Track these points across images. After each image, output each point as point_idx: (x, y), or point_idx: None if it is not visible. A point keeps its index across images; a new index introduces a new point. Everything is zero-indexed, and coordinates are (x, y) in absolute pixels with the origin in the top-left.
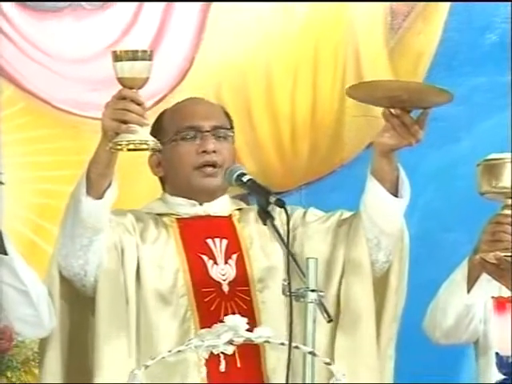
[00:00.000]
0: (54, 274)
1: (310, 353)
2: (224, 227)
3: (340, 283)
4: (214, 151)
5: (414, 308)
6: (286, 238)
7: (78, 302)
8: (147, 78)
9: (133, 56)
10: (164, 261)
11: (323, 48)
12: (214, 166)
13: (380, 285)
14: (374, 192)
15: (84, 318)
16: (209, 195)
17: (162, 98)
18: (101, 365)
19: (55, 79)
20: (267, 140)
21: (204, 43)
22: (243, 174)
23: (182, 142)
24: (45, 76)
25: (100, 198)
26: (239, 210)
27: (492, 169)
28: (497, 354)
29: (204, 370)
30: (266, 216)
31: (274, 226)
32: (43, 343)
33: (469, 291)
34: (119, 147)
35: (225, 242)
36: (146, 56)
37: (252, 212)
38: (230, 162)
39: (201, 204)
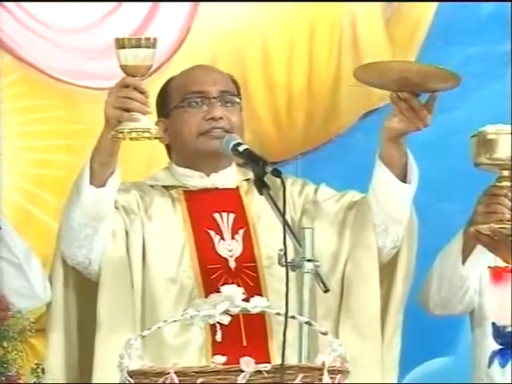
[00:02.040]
0: (57, 262)
1: (307, 323)
2: (231, 201)
3: (345, 266)
4: (221, 118)
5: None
6: (282, 208)
7: (85, 287)
8: (150, 66)
9: (136, 43)
10: (170, 237)
11: (319, 18)
12: (221, 129)
13: (387, 272)
14: (383, 177)
15: (91, 303)
16: (215, 162)
17: (157, 68)
18: (102, 359)
19: (51, 49)
20: (263, 110)
21: (200, 13)
22: (239, 144)
23: (189, 108)
24: (41, 45)
25: (103, 185)
26: (247, 180)
27: (487, 140)
28: (493, 324)
29: (200, 339)
30: (262, 185)
31: (269, 196)
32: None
33: (464, 262)
34: (121, 135)
35: (232, 216)
36: (150, 43)
37: None
38: (238, 128)
39: (208, 175)
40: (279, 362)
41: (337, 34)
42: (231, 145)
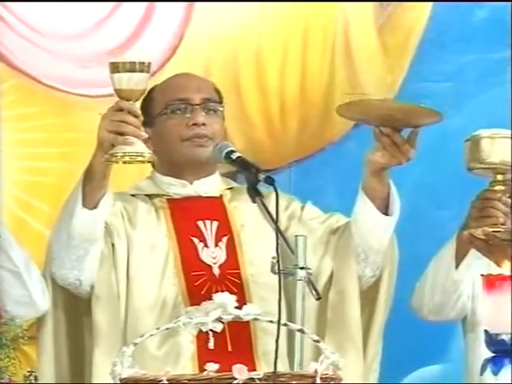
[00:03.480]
0: (47, 281)
1: (299, 330)
2: (215, 209)
3: (326, 288)
4: (204, 124)
5: (403, 284)
6: (275, 216)
7: (75, 305)
8: (144, 90)
9: (130, 68)
10: (155, 245)
11: (313, 24)
12: (203, 137)
13: (369, 300)
14: (364, 208)
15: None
16: (198, 169)
17: (151, 75)
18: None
19: (45, 56)
20: (256, 116)
21: (194, 20)
22: (232, 152)
23: (172, 115)
24: (34, 53)
25: (95, 207)
26: (230, 189)
27: (480, 144)
28: (486, 331)
29: (192, 347)
30: (255, 193)
31: (263, 204)
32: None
33: (457, 267)
34: (115, 159)
35: (215, 224)
36: (144, 68)
37: (244, 192)
38: (220, 135)
39: (191, 183)
40: (265, 367)
41: (330, 40)
42: (224, 152)
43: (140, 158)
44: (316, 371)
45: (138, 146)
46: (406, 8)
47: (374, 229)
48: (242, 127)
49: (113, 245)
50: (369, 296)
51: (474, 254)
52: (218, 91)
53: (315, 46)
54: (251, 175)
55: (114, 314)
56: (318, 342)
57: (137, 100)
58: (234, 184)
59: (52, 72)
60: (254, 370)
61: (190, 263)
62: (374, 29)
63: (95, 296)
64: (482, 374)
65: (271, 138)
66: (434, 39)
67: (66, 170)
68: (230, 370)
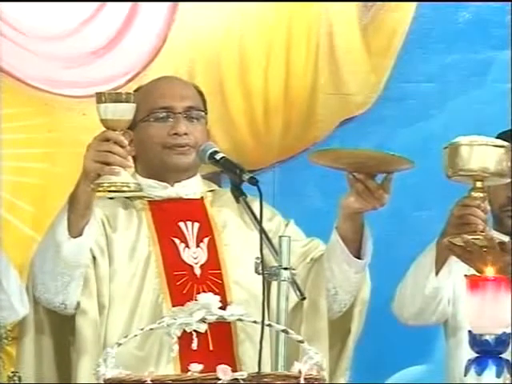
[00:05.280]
0: (29, 298)
1: (283, 331)
2: (196, 211)
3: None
4: (186, 133)
5: (385, 287)
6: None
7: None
8: (130, 120)
9: (116, 98)
10: (136, 245)
11: (296, 24)
12: (184, 146)
13: (339, 337)
14: (336, 249)
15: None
16: (180, 173)
17: (134, 76)
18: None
19: (28, 57)
20: (240, 117)
21: (177, 21)
22: (216, 152)
23: (154, 122)
24: (18, 54)
25: (80, 235)
26: (211, 191)
27: (459, 152)
28: (469, 332)
29: (176, 348)
30: (239, 194)
31: (246, 204)
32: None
33: (437, 274)
34: (101, 189)
35: (196, 225)
36: (130, 98)
37: (226, 194)
38: (202, 142)
39: (172, 185)
40: (245, 366)
41: (313, 41)
42: (208, 153)
43: (126, 189)
44: (300, 371)
45: (124, 177)
46: (390, 8)
47: (346, 270)
48: (225, 128)
49: (94, 258)
50: (339, 333)
51: (454, 259)
52: (201, 94)
53: (299, 47)
54: (235, 175)
55: (98, 326)
56: (301, 342)
57: (122, 130)
58: (214, 186)
59: (35, 73)
60: (236, 371)
61: (172, 263)
62: (357, 29)
63: (80, 311)
64: (465, 374)
65: (255, 139)
66: (418, 40)
67: (49, 170)
68: (212, 371)
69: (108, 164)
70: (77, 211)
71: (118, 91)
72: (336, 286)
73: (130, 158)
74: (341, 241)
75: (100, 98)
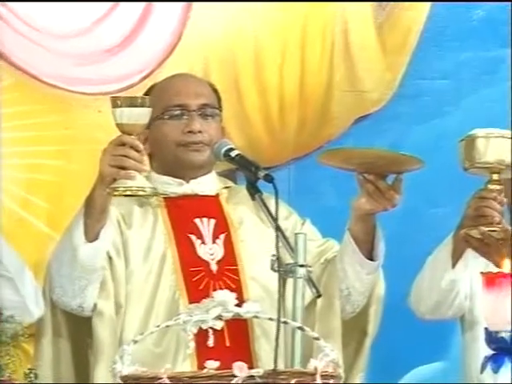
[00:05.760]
0: (47, 305)
1: (299, 328)
2: (211, 207)
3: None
4: (200, 131)
5: (401, 284)
6: (274, 213)
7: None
8: (145, 125)
9: (131, 102)
10: (152, 242)
11: (312, 22)
12: (199, 143)
13: (355, 337)
14: (349, 250)
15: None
16: (195, 170)
17: (149, 74)
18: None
19: (43, 54)
20: (255, 114)
21: (192, 19)
22: (231, 149)
23: (169, 120)
24: (33, 51)
25: (96, 238)
26: (227, 188)
27: (475, 144)
28: (486, 329)
29: (192, 344)
30: (254, 191)
31: (262, 201)
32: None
33: (454, 267)
34: (117, 193)
35: (212, 221)
36: (145, 102)
37: (242, 191)
38: (216, 140)
39: (187, 182)
40: (262, 363)
41: (329, 38)
42: (223, 150)
43: (141, 193)
44: (316, 369)
45: (140, 181)
46: (404, 7)
47: (359, 271)
48: (241, 125)
49: (110, 258)
50: (355, 333)
51: (471, 253)
52: (216, 92)
53: (314, 44)
54: (250, 173)
55: (115, 328)
56: (317, 339)
57: (138, 134)
58: (230, 183)
59: (50, 70)
60: (252, 367)
61: (188, 259)
62: (373, 27)
63: (97, 312)
64: (482, 371)
65: (270, 136)
66: (432, 37)
67: (64, 167)
68: (229, 367)
69: (124, 168)
70: (93, 215)
71: (134, 95)
72: (349, 287)
73: (145, 161)
74: (353, 242)
75: (115, 102)
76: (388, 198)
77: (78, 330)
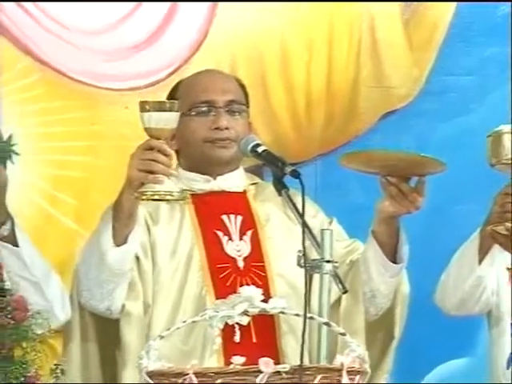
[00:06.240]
0: (74, 307)
1: (325, 323)
2: (239, 203)
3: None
4: (227, 128)
5: (426, 281)
6: (301, 209)
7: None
8: (173, 129)
9: (159, 107)
10: (179, 238)
11: (338, 19)
12: (226, 140)
13: (381, 334)
14: (372, 252)
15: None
16: (222, 166)
17: (176, 69)
18: None
19: (71, 50)
20: (282, 110)
21: (218, 15)
22: (258, 145)
23: (196, 117)
24: (60, 47)
25: (125, 242)
26: (254, 184)
27: (501, 140)
28: None
29: (218, 340)
30: (281, 187)
31: (288, 197)
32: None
33: (480, 262)
34: (144, 197)
35: (240, 218)
36: (173, 107)
37: (269, 188)
38: (243, 137)
39: (214, 178)
40: (289, 359)
41: (356, 34)
42: (250, 146)
43: (169, 197)
44: (342, 364)
45: (168, 185)
46: (430, 4)
47: (382, 273)
48: (267, 122)
49: (137, 258)
50: (380, 334)
51: (497, 249)
52: (243, 88)
53: (341, 41)
54: (277, 168)
55: (143, 329)
56: (344, 334)
57: (166, 138)
58: (257, 179)
59: (77, 66)
60: (278, 363)
61: (215, 256)
62: (399, 23)
63: (125, 314)
64: (508, 367)
65: (297, 132)
66: (459, 33)
67: (91, 163)
68: (256, 363)
69: (152, 172)
70: (120, 219)
71: (162, 100)
72: (373, 290)
73: (173, 164)
74: (376, 244)
75: (143, 106)
76: (411, 200)
77: (106, 331)
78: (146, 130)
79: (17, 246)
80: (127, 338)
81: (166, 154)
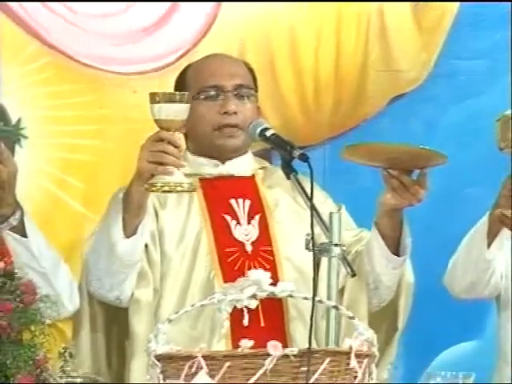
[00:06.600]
0: (83, 296)
1: (334, 307)
2: (247, 188)
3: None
4: (235, 112)
5: (436, 264)
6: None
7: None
8: (184, 121)
9: (170, 98)
10: (187, 223)
11: (347, 3)
12: (234, 127)
13: (385, 325)
14: (375, 244)
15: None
16: (229, 154)
17: (185, 53)
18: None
19: (79, 34)
20: (291, 95)
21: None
22: (266, 129)
23: (205, 101)
24: (68, 31)
25: (134, 233)
26: (263, 168)
27: (510, 124)
28: None
29: (227, 324)
30: (289, 170)
31: (297, 180)
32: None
33: (489, 246)
34: (154, 189)
35: (248, 202)
36: (183, 98)
37: (277, 172)
38: (251, 121)
39: (223, 163)
40: (297, 344)
41: (364, 18)
42: (258, 130)
43: (179, 188)
44: (351, 347)
45: (178, 176)
46: None
47: (385, 265)
48: (276, 106)
49: (146, 245)
50: (383, 326)
51: (506, 233)
52: (252, 71)
53: (349, 25)
54: (285, 152)
55: (152, 319)
56: (352, 318)
57: (176, 130)
58: (266, 163)
59: (86, 50)
60: (286, 347)
61: (223, 240)
62: (408, 7)
63: (134, 301)
64: None
65: (305, 116)
66: (468, 17)
67: (100, 147)
68: (264, 347)
69: (162, 164)
70: (130, 211)
71: (172, 92)
72: (376, 281)
73: (183, 156)
74: (379, 236)
75: (153, 98)
76: (413, 192)
77: (115, 320)
78: (156, 121)
79: (25, 236)
80: (136, 328)
81: (176, 146)
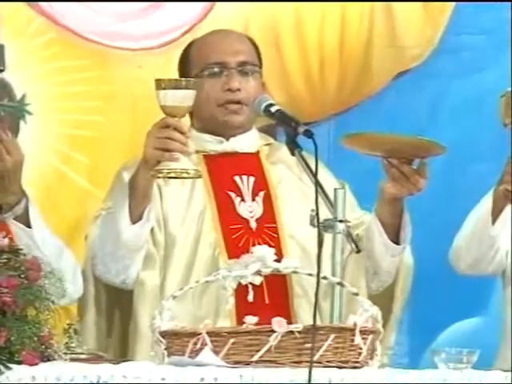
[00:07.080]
0: (89, 279)
1: (339, 283)
2: (251, 164)
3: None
4: (239, 89)
5: (441, 240)
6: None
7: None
8: (189, 107)
9: (175, 85)
10: (191, 200)
11: None
12: (238, 103)
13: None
14: (374, 231)
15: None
16: (234, 130)
17: (189, 29)
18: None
19: (84, 10)
20: (296, 71)
21: None
22: (271, 105)
23: (208, 78)
24: (74, 7)
25: (140, 219)
26: (268, 145)
27: None
28: None
29: (232, 300)
30: (294, 146)
31: (302, 157)
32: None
33: (493, 222)
34: (161, 175)
35: (252, 179)
36: (189, 84)
37: (282, 149)
38: (256, 97)
39: (227, 139)
40: (300, 320)
41: None
42: (263, 106)
43: (185, 175)
44: (355, 324)
45: (184, 163)
46: None
47: (382, 252)
48: (281, 82)
49: (152, 228)
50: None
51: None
52: (256, 47)
53: (354, 2)
54: (290, 128)
55: (157, 302)
56: (356, 294)
57: (182, 117)
58: (271, 140)
59: (91, 26)
60: (291, 324)
61: (227, 217)
62: None
63: (139, 283)
64: None
65: (310, 93)
66: None
67: (105, 123)
68: (268, 324)
69: (168, 150)
70: (136, 197)
71: (178, 78)
72: (374, 266)
73: (189, 143)
74: (379, 223)
75: (159, 84)
76: (413, 182)
77: (120, 303)
78: (162, 107)
79: (29, 226)
80: (140, 311)
81: (181, 132)
